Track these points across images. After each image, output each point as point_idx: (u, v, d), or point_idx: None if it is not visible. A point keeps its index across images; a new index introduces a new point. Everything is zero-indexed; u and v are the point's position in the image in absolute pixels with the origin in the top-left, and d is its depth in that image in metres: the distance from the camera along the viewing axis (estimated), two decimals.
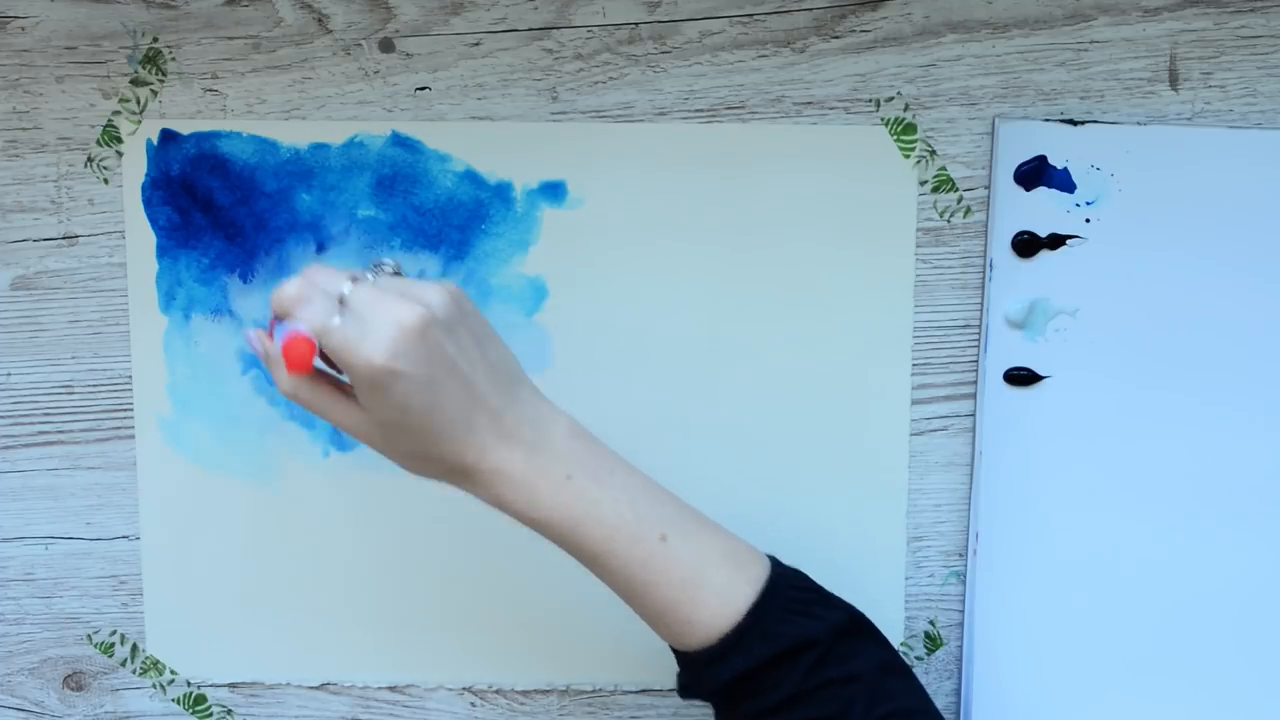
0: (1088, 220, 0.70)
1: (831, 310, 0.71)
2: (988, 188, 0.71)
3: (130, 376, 0.73)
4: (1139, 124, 0.70)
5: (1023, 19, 0.69)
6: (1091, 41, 0.69)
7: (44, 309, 0.73)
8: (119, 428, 0.73)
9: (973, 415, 0.72)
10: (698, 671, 0.62)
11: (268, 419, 0.73)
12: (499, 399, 0.60)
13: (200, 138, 0.71)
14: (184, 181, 0.72)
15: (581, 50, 0.70)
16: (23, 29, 0.71)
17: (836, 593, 0.64)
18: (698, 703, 0.74)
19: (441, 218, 0.72)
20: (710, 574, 0.61)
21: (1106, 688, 0.72)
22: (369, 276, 0.60)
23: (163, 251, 0.72)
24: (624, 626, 0.71)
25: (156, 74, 0.71)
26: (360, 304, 0.58)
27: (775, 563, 0.63)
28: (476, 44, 0.70)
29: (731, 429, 0.72)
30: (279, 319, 0.59)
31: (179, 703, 0.75)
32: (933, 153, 0.71)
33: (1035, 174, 0.70)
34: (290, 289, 0.58)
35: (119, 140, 0.71)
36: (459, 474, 0.60)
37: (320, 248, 0.72)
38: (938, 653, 0.74)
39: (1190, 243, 0.70)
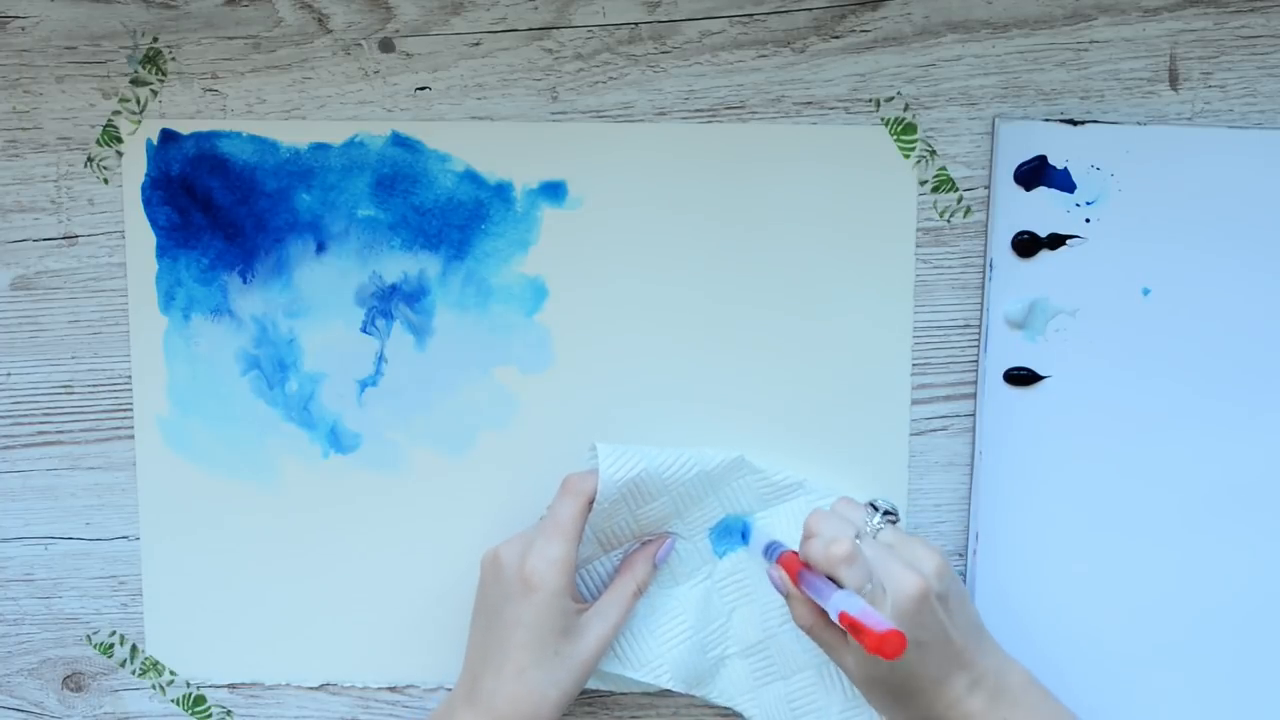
0: (1088, 220, 0.70)
1: (831, 310, 0.72)
2: (988, 188, 0.71)
3: (130, 376, 0.73)
4: (1139, 124, 0.70)
5: (1023, 19, 0.69)
6: (1091, 41, 0.70)
7: (44, 309, 0.73)
8: (119, 428, 0.73)
9: (973, 415, 0.72)
10: None
11: (268, 419, 0.73)
12: (973, 651, 0.64)
13: (200, 138, 0.71)
14: (184, 181, 0.72)
15: (581, 50, 0.70)
16: (23, 29, 0.71)
17: None
18: (698, 702, 0.74)
19: (441, 217, 0.72)
20: None
21: (1107, 686, 0.72)
22: (874, 523, 0.67)
23: (162, 251, 0.72)
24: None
25: (156, 74, 0.71)
26: (874, 566, 0.63)
27: None
28: (476, 44, 0.70)
29: (732, 429, 0.72)
30: (808, 564, 0.65)
31: (178, 703, 0.75)
32: (933, 153, 0.71)
33: (1035, 174, 0.70)
34: (844, 549, 0.63)
35: (119, 140, 0.71)
36: (928, 719, 0.65)
37: (320, 248, 0.72)
38: None
39: (1190, 242, 0.70)
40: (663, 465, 0.69)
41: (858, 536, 0.65)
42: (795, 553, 0.67)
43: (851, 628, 0.60)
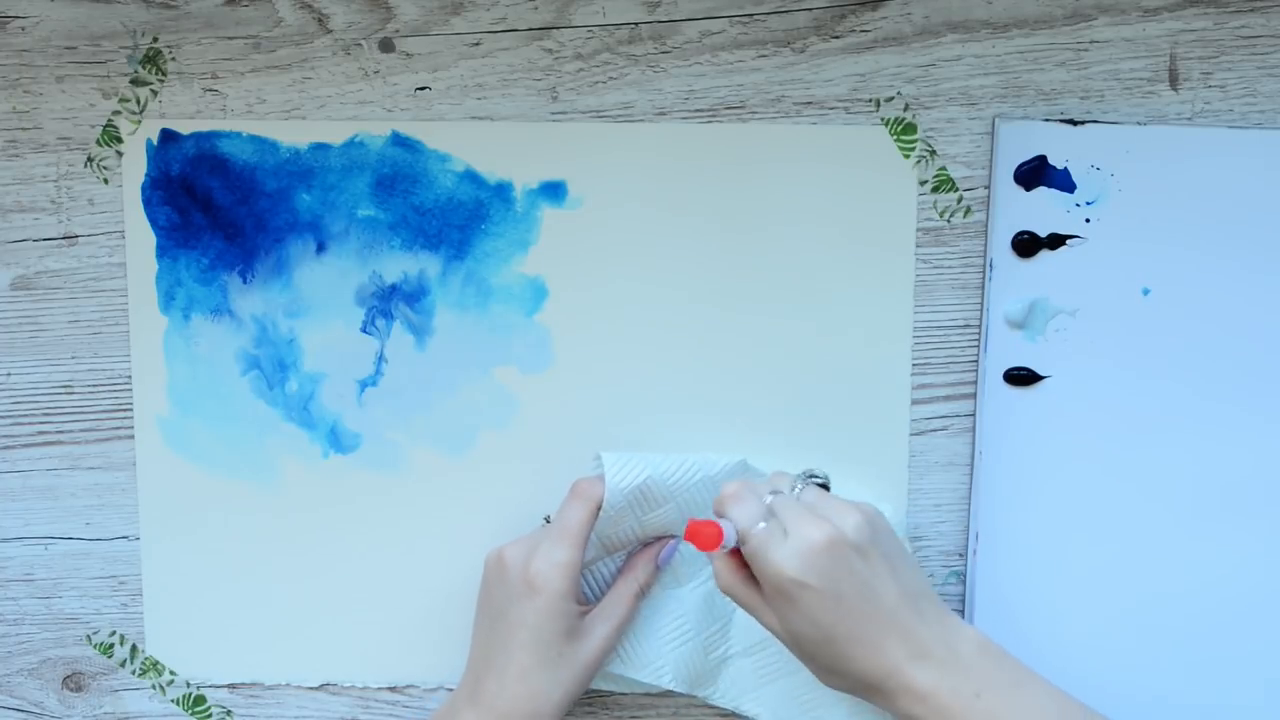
0: (1088, 220, 0.70)
1: (831, 310, 0.72)
2: (988, 188, 0.71)
3: (130, 376, 0.73)
4: (1139, 124, 0.70)
5: (1023, 19, 0.69)
6: (1091, 41, 0.70)
7: (44, 309, 0.73)
8: (119, 428, 0.73)
9: (973, 415, 0.72)
10: None
11: (268, 419, 0.73)
12: (910, 617, 0.62)
13: (200, 138, 0.71)
14: (184, 181, 0.72)
15: (581, 50, 0.70)
16: (23, 29, 0.71)
17: None
18: (698, 702, 0.74)
19: (441, 217, 0.72)
20: None
21: (1107, 685, 0.72)
22: (797, 485, 0.65)
23: (162, 251, 0.72)
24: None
25: (156, 74, 0.71)
26: (781, 515, 0.62)
27: None
28: (476, 44, 0.70)
29: (731, 427, 0.72)
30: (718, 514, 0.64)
31: (178, 703, 0.75)
32: (933, 153, 0.71)
33: (1035, 174, 0.70)
34: (730, 487, 0.64)
35: (119, 140, 0.71)
36: (870, 689, 0.62)
37: (320, 248, 0.72)
38: None
39: (1190, 242, 0.70)
40: (667, 471, 0.69)
41: (775, 493, 0.64)
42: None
43: (690, 531, 0.61)
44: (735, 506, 0.63)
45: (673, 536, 0.71)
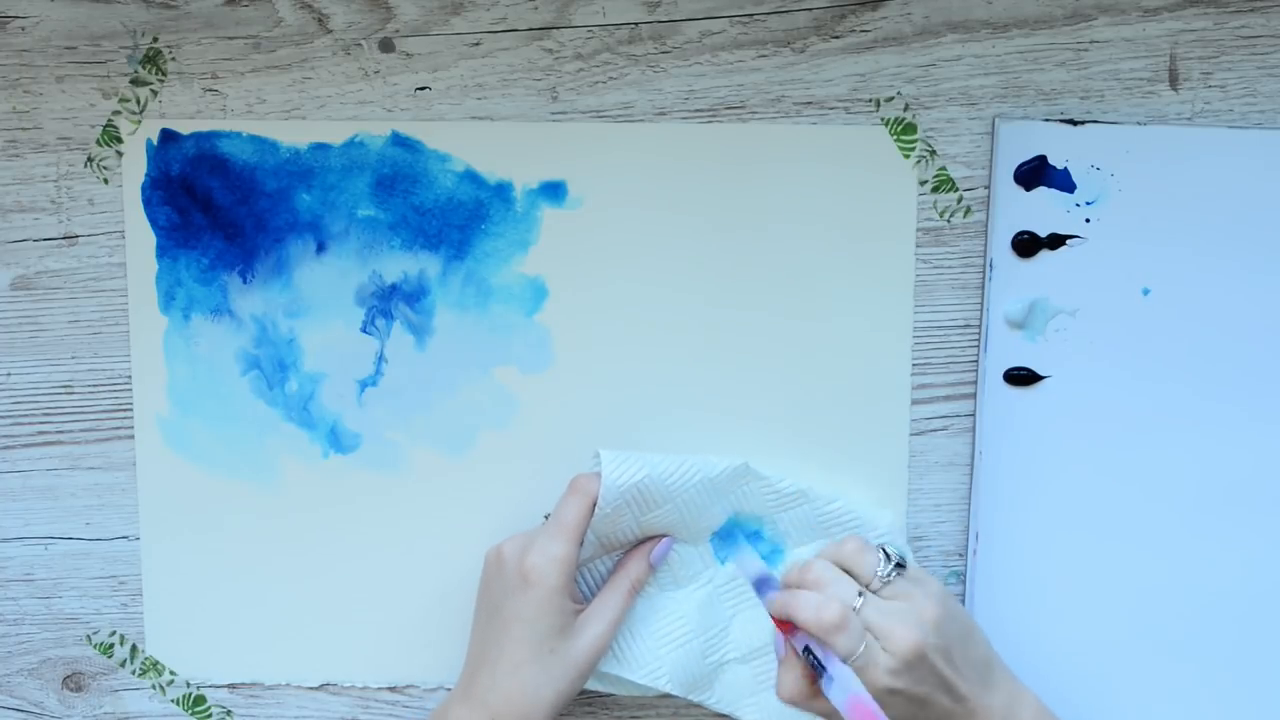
0: (1088, 220, 0.70)
1: (831, 310, 0.72)
2: (988, 188, 0.71)
3: (130, 376, 0.73)
4: (1139, 124, 0.70)
5: (1023, 19, 0.69)
6: (1091, 41, 0.70)
7: (44, 309, 0.73)
8: (119, 428, 0.73)
9: (973, 415, 0.72)
10: None
11: (267, 419, 0.73)
12: (979, 693, 0.65)
13: (200, 138, 0.71)
14: (184, 181, 0.72)
15: (581, 50, 0.70)
16: (23, 29, 0.71)
17: None
18: (696, 705, 0.74)
19: (441, 217, 0.72)
20: None
21: (1107, 686, 0.72)
22: (880, 570, 0.66)
23: (162, 251, 0.72)
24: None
25: (156, 74, 0.71)
26: (870, 623, 0.64)
27: None
28: (476, 44, 0.70)
29: (731, 427, 0.72)
30: (798, 627, 0.65)
31: (178, 703, 0.75)
32: (933, 153, 0.71)
33: (1035, 174, 0.70)
34: (833, 614, 0.63)
35: (119, 140, 0.71)
36: None
37: (320, 248, 0.72)
38: None
39: (1190, 242, 0.70)
40: (666, 472, 0.69)
41: (868, 587, 0.65)
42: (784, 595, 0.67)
43: None
44: (841, 638, 0.63)
45: (668, 535, 0.71)
